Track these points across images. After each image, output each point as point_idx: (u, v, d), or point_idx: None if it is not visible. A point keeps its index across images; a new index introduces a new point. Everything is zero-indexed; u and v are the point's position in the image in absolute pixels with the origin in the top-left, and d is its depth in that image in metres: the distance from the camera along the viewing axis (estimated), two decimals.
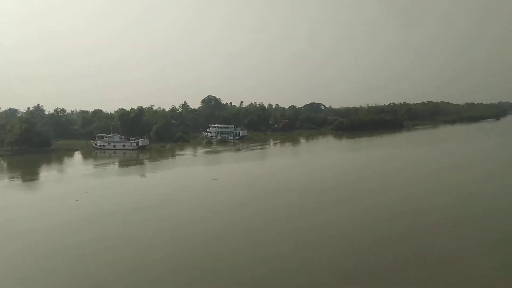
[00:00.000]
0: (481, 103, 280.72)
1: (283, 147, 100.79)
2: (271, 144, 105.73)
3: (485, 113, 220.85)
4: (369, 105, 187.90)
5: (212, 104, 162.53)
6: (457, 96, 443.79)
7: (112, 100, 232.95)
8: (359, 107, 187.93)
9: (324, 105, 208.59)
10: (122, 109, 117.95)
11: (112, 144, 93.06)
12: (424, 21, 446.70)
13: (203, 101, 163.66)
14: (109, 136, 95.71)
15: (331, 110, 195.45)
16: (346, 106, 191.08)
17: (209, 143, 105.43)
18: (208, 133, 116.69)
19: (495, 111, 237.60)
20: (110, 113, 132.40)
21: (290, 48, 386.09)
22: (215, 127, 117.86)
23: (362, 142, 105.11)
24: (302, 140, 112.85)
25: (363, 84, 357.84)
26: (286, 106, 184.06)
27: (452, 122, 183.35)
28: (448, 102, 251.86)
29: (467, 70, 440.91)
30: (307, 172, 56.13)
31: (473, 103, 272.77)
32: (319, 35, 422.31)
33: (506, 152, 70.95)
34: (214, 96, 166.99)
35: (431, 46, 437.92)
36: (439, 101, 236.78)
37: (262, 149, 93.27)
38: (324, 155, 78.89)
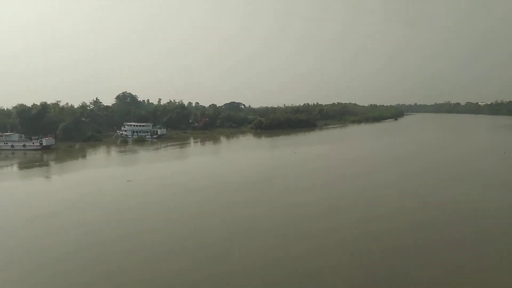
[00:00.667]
0: (383, 105, 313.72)
1: (204, 145, 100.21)
2: (191, 142, 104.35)
3: (385, 114, 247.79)
4: (286, 105, 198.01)
5: (127, 101, 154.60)
6: (364, 98, 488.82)
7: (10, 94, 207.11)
8: (276, 107, 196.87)
9: (244, 105, 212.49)
10: (22, 104, 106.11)
11: (9, 144, 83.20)
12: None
13: (118, 97, 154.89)
14: (5, 135, 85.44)
15: (250, 110, 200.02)
16: (265, 106, 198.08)
17: (124, 142, 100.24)
18: (123, 132, 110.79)
19: (394, 112, 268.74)
20: (7, 109, 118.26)
21: (210, 48, 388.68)
22: (131, 125, 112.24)
23: (280, 140, 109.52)
24: (223, 139, 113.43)
25: (280, 86, 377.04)
26: (207, 105, 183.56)
27: (359, 122, 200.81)
28: (355, 103, 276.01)
29: (370, 75, 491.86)
30: (224, 170, 56.80)
31: (376, 105, 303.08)
32: (240, 39, 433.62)
33: (392, 151, 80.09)
34: (129, 93, 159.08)
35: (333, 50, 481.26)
36: (347, 102, 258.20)
37: (181, 148, 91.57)
38: (243, 153, 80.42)
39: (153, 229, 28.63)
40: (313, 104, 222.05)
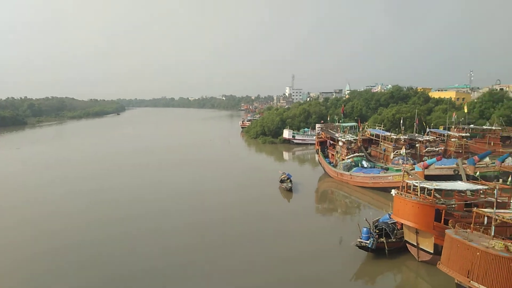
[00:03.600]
0: (104, 99, 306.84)
1: None
2: None
3: (107, 109, 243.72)
4: None
5: None
6: (83, 92, 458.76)
7: None
8: None
9: None
10: None
11: None
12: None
13: None
14: None
15: None
16: None
17: None
18: None
19: (116, 107, 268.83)
20: None
21: None
22: None
23: None
24: None
25: None
26: None
27: (79, 117, 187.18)
28: (73, 98, 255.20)
29: (88, 68, 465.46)
30: None
31: (96, 99, 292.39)
32: None
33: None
34: None
35: None
36: (64, 96, 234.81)
37: None
38: None
39: None
40: (20, 98, 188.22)
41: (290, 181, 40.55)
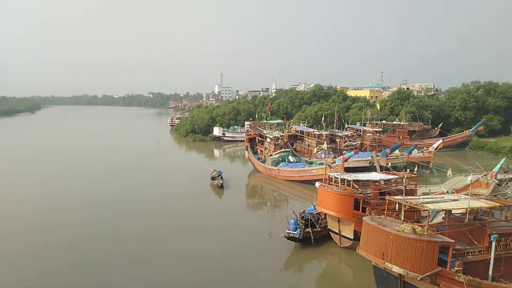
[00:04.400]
0: (14, 97, 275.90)
1: None
2: None
3: (19, 107, 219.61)
4: None
5: None
6: None
7: None
8: None
9: None
10: None
11: None
12: None
13: None
14: None
15: None
16: None
17: None
18: None
19: (30, 105, 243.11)
20: None
21: None
22: None
23: None
24: None
25: None
26: None
27: None
28: None
29: None
30: None
31: (6, 97, 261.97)
32: None
33: None
34: None
35: None
36: None
37: None
38: None
39: None
40: None
41: (221, 178, 40.80)
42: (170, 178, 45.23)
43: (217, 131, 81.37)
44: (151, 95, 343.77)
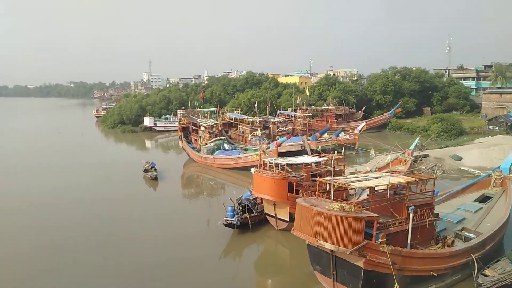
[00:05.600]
0: None
1: None
2: None
3: None
4: None
5: None
6: None
7: None
8: None
9: None
10: None
11: None
12: None
13: None
14: None
15: None
16: None
17: None
18: None
19: None
20: None
21: None
22: None
23: None
24: None
25: None
26: None
27: None
28: None
29: None
30: None
31: None
32: None
33: None
34: None
35: None
36: None
37: None
38: None
39: None
40: None
41: (155, 169, 39.57)
42: (97, 173, 42.48)
43: (148, 121, 78.30)
44: (72, 85, 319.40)
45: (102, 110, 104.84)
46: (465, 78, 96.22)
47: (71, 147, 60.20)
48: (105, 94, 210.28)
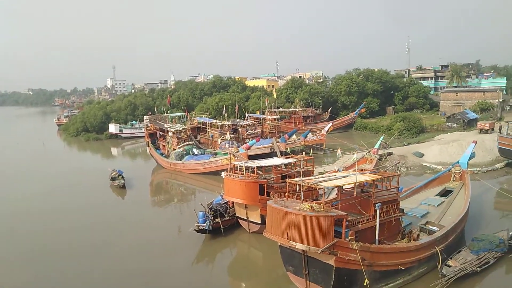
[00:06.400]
0: None
1: None
2: None
3: None
4: None
5: None
6: None
7: None
8: None
9: None
10: None
11: None
12: None
13: None
14: None
15: None
16: None
17: None
18: None
19: None
20: None
21: None
22: None
23: None
24: None
25: None
26: None
27: None
28: None
29: None
30: None
31: None
32: None
33: None
34: None
35: None
36: None
37: None
38: None
39: None
40: None
41: (122, 177, 38.48)
42: (60, 183, 40.79)
43: (113, 128, 76.12)
44: (30, 92, 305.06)
45: (64, 118, 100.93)
46: (424, 78, 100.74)
47: (30, 158, 57.44)
48: (67, 101, 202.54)
